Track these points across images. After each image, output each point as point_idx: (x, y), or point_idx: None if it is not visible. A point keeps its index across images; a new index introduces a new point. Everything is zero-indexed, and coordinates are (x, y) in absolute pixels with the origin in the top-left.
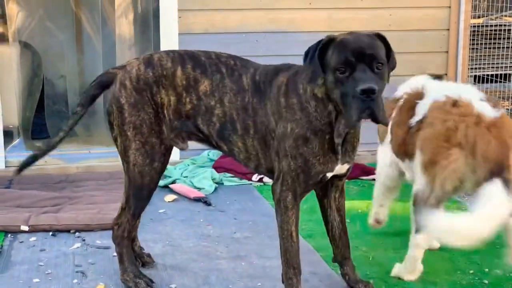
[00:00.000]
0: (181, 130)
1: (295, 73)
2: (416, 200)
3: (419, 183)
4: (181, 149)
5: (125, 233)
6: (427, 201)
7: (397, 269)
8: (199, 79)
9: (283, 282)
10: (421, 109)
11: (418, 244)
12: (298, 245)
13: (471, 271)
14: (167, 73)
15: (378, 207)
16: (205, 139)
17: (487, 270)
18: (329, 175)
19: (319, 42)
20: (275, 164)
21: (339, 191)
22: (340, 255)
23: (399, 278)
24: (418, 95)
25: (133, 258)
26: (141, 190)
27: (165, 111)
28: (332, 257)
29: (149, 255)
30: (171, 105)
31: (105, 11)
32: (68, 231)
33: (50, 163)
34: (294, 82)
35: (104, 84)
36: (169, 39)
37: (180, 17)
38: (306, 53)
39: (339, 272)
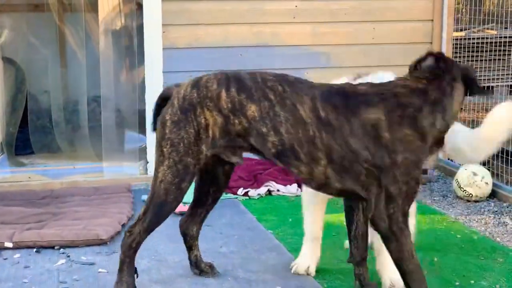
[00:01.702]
0: (229, 145)
1: (394, 108)
2: None
3: None
4: (232, 162)
5: (133, 243)
6: None
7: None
8: (244, 104)
9: None
10: None
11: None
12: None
13: (457, 283)
14: (212, 95)
15: None
16: (259, 153)
17: (472, 282)
18: None
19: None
20: (371, 188)
21: None
22: (359, 255)
23: None
24: None
25: (133, 271)
26: (162, 207)
27: (210, 131)
28: (348, 257)
29: (210, 265)
30: (218, 126)
31: (89, 26)
32: (53, 247)
33: (34, 179)
34: (406, 116)
35: (164, 96)
36: (153, 54)
37: (164, 32)
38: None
39: (353, 273)
